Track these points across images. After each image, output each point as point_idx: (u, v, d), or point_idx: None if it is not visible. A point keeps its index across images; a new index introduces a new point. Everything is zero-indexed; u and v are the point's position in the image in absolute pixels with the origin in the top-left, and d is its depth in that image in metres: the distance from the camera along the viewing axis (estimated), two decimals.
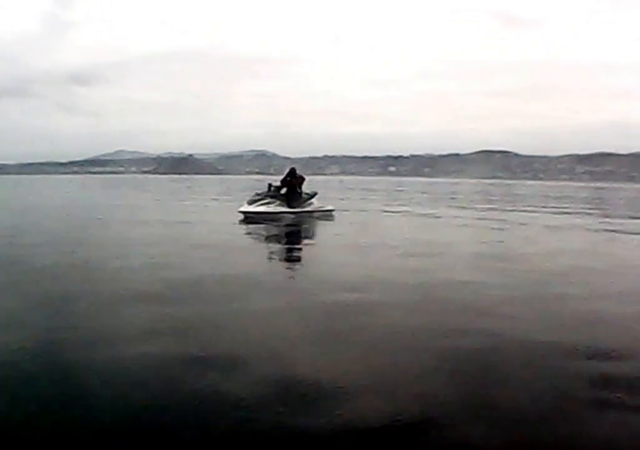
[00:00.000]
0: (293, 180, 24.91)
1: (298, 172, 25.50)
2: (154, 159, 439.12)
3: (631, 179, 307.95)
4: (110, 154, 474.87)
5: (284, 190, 24.77)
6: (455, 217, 26.53)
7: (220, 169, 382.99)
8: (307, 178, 25.70)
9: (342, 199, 39.29)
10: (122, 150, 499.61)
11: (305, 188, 25.79)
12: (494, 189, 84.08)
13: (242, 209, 24.21)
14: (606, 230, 21.47)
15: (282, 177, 25.41)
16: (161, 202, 38.97)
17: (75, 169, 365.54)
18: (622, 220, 25.84)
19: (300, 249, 16.51)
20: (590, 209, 36.53)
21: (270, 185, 25.00)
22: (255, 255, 14.69)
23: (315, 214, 24.59)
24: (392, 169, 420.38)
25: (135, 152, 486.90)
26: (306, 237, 19.60)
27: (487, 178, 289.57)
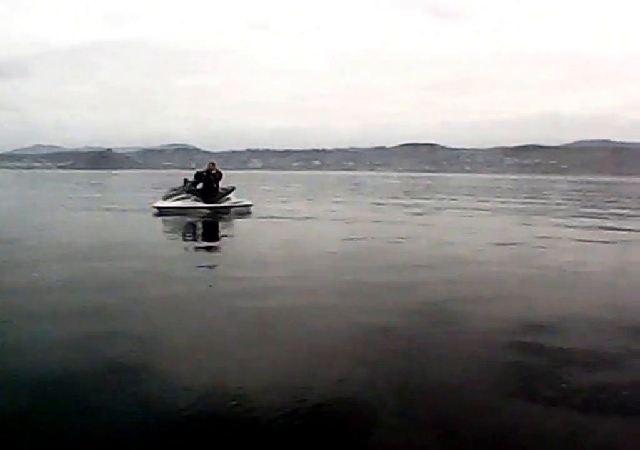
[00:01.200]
0: (210, 175, 24.13)
1: (218, 166, 24.68)
2: (72, 153, 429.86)
3: (563, 172, 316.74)
4: (26, 149, 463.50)
5: (200, 185, 24.03)
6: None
7: (140, 164, 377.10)
8: (223, 173, 24.86)
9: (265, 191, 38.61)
10: (39, 145, 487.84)
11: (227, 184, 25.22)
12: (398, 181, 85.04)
13: (157, 204, 23.33)
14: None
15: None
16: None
17: None
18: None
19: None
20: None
21: (186, 180, 24.08)
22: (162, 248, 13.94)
23: (233, 209, 23.93)
24: (317, 162, 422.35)
25: (52, 146, 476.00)
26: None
27: (413, 171, 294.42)
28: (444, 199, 37.73)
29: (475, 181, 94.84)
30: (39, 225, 19.02)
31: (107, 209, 25.26)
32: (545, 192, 52.57)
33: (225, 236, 17.82)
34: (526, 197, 41.50)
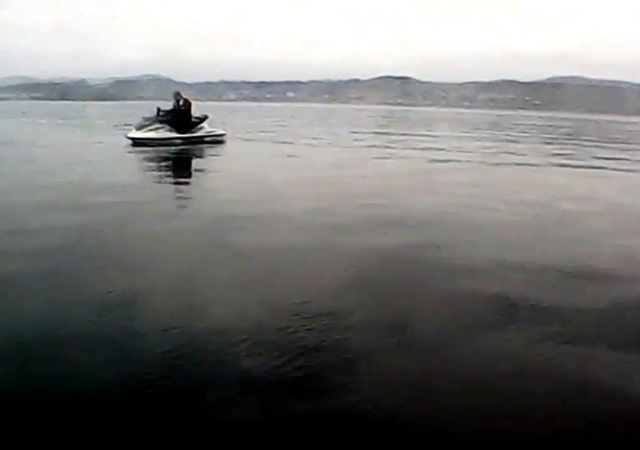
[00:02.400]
0: (178, 104, 23.76)
1: (185, 96, 24.26)
2: (46, 84, 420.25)
3: (537, 108, 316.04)
4: (1, 80, 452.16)
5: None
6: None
7: (114, 95, 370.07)
8: (193, 102, 24.51)
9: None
10: (12, 76, 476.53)
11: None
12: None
13: (130, 135, 22.84)
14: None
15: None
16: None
17: None
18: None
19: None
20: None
21: (158, 110, 23.55)
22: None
23: (206, 139, 23.76)
24: (291, 94, 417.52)
25: (24, 77, 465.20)
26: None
27: (388, 104, 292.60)
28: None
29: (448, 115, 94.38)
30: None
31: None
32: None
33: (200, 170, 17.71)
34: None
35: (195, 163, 18.79)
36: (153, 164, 17.35)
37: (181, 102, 23.81)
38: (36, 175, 13.84)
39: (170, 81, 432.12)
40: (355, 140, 28.34)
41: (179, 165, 18.27)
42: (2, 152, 19.25)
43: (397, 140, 27.87)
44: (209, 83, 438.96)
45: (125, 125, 30.70)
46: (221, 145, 22.84)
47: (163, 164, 17.74)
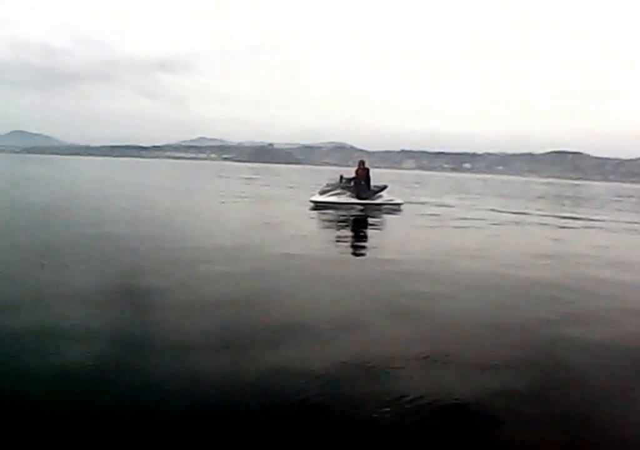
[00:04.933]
0: (360, 172, 24.48)
1: (366, 164, 25.02)
2: (235, 146, 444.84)
3: None
4: (192, 141, 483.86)
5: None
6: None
7: (300, 159, 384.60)
8: (371, 169, 25.05)
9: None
10: (203, 138, 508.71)
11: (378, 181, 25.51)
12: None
13: (313, 198, 23.93)
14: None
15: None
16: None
17: (157, 153, 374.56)
18: None
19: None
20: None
21: (341, 177, 24.58)
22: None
23: (384, 206, 24.10)
24: (467, 165, 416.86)
25: (215, 139, 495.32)
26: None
27: (557, 178, 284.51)
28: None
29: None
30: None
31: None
32: None
33: (374, 229, 18.09)
34: None
35: (371, 227, 19.09)
36: (332, 225, 17.98)
37: (362, 171, 24.54)
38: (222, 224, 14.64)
39: (352, 149, 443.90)
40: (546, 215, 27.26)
41: (356, 227, 18.59)
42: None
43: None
44: (388, 152, 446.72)
45: (309, 188, 31.75)
46: (398, 213, 22.99)
47: (342, 225, 18.27)
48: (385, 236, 16.62)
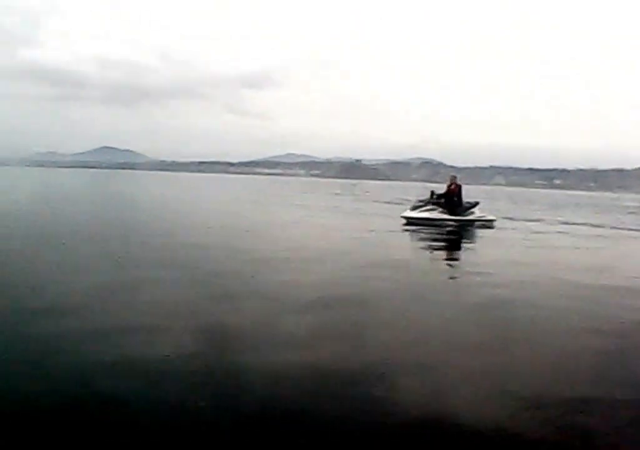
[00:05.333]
0: (452, 189, 24.39)
1: (458, 181, 24.86)
2: (322, 162, 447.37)
3: None
4: (279, 156, 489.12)
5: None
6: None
7: (388, 175, 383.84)
8: (463, 186, 24.88)
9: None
10: (291, 153, 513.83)
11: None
12: None
13: (405, 214, 23.98)
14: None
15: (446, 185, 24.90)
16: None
17: (245, 169, 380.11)
18: None
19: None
20: None
21: (432, 193, 24.51)
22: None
23: (476, 223, 23.91)
24: (558, 182, 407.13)
25: (303, 155, 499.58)
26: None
27: None
28: None
29: None
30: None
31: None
32: None
33: (470, 246, 18.03)
34: None
35: (466, 243, 19.06)
36: (427, 242, 17.97)
37: (453, 186, 24.44)
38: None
39: (440, 164, 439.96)
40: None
41: (452, 245, 18.52)
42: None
43: None
44: (478, 167, 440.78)
45: (398, 204, 31.83)
46: (490, 230, 22.74)
47: (434, 242, 18.21)
48: (484, 254, 16.17)
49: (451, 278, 11.81)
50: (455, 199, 24.20)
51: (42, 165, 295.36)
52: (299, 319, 7.39)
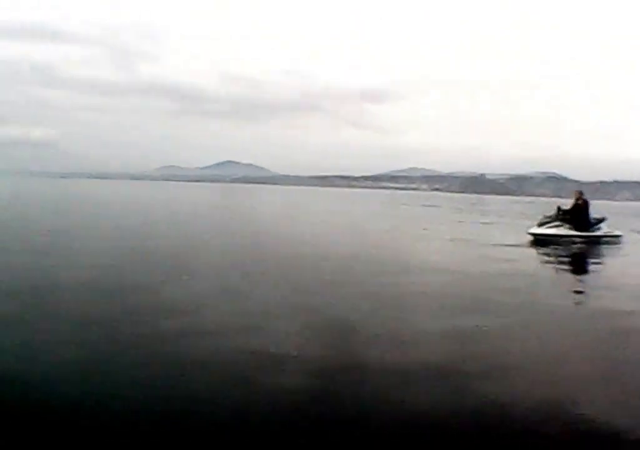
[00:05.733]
0: (579, 204, 24.35)
1: (583, 196, 24.68)
2: (445, 177, 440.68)
3: None
4: (402, 171, 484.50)
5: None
6: None
7: (512, 190, 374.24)
8: (590, 202, 24.89)
9: None
10: (414, 168, 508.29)
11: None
12: None
13: (532, 230, 23.97)
14: None
15: (571, 200, 24.82)
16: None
17: (367, 183, 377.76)
18: None
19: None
20: None
21: (559, 208, 24.36)
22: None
23: (603, 239, 23.82)
24: None
25: (424, 169, 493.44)
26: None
27: None
28: None
29: None
30: None
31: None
32: None
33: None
34: None
35: (594, 262, 19.32)
36: (555, 259, 18.47)
37: (580, 202, 24.37)
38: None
39: (565, 179, 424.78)
40: None
41: (584, 264, 18.91)
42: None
43: None
44: (602, 182, 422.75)
45: (527, 219, 31.91)
46: (618, 246, 22.78)
47: (565, 259, 18.64)
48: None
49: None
50: (582, 214, 24.18)
51: (168, 179, 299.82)
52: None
